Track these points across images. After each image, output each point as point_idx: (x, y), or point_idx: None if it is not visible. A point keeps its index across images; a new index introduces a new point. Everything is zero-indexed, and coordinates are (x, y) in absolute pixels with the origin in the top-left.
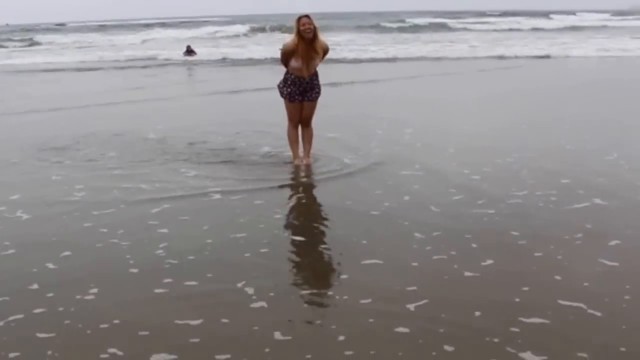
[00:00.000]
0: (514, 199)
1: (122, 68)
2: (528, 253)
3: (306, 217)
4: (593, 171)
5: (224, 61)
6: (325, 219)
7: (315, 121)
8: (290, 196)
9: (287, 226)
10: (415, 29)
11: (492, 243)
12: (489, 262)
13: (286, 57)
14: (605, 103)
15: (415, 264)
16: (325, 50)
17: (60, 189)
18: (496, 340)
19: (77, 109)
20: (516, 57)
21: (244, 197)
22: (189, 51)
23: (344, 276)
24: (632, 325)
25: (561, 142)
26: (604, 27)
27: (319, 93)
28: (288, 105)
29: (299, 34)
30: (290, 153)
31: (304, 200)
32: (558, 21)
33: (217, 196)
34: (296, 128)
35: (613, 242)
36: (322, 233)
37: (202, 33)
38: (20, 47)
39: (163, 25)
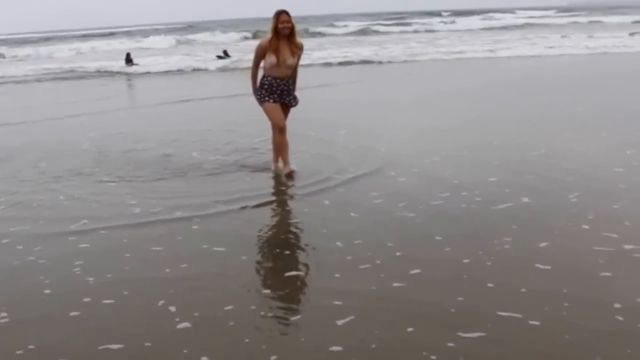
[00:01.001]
0: (436, 201)
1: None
2: (455, 260)
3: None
4: (520, 169)
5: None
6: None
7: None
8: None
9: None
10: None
11: (416, 250)
12: (416, 270)
13: (260, 53)
14: (528, 97)
15: (337, 275)
16: (300, 52)
17: None
18: (433, 357)
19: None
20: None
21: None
22: (129, 60)
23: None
24: (574, 335)
25: (489, 139)
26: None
27: (296, 100)
28: (269, 107)
29: (275, 30)
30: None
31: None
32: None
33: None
34: (282, 132)
35: (543, 244)
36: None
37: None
38: None
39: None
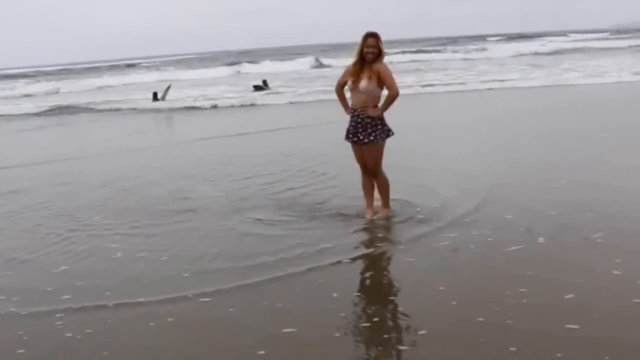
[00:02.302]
0: None
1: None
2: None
3: None
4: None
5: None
6: None
7: None
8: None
9: None
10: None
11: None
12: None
13: (345, 76)
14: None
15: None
16: (383, 77)
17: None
18: None
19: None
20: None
21: None
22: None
23: None
24: None
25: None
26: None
27: (372, 136)
28: (351, 145)
29: (360, 54)
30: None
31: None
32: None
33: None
34: (366, 174)
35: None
36: None
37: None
38: None
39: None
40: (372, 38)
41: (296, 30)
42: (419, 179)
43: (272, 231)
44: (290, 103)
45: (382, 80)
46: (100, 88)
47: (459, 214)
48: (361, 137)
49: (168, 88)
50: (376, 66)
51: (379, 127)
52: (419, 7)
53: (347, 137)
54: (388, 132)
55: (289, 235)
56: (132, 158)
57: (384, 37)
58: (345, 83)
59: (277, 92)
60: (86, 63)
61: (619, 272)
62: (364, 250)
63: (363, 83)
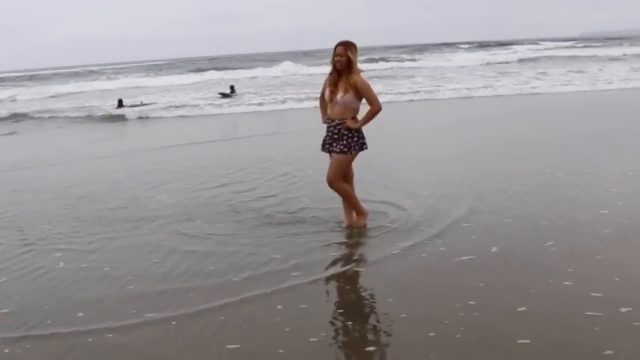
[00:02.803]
0: None
1: None
2: None
3: None
4: None
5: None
6: None
7: None
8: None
9: None
10: None
11: None
12: None
13: (323, 90)
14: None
15: None
16: (361, 91)
17: None
18: None
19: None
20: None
21: None
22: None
23: None
24: None
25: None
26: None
27: (346, 148)
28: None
29: (333, 63)
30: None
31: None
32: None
33: None
34: (331, 186)
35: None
36: None
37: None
38: None
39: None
40: (340, 47)
41: (266, 38)
42: (379, 186)
43: (228, 246)
44: (257, 111)
45: (361, 94)
46: (60, 95)
47: (415, 222)
48: (334, 146)
49: (142, 104)
50: (353, 79)
51: (355, 139)
52: (393, 14)
53: (324, 148)
54: (362, 146)
55: (257, 250)
56: (91, 167)
57: (358, 44)
58: (323, 95)
59: (246, 101)
60: (47, 69)
61: (571, 283)
62: (325, 273)
63: (340, 95)
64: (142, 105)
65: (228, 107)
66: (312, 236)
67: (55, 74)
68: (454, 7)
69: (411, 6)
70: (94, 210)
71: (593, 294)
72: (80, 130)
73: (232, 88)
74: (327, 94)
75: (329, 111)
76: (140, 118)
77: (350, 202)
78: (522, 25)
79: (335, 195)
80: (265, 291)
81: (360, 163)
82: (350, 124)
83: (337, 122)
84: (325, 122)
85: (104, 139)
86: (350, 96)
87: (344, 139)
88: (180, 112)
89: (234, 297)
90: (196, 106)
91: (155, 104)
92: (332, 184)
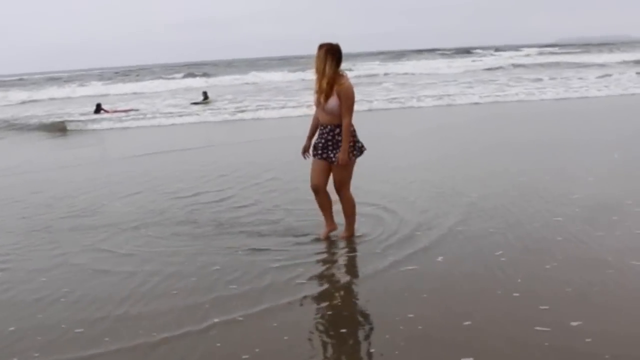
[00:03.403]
0: None
1: None
2: None
3: None
4: None
5: None
6: None
7: None
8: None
9: None
10: None
11: None
12: None
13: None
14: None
15: None
16: (341, 104)
17: None
18: None
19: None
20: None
21: None
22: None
23: None
24: None
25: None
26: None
27: (337, 158)
28: (312, 161)
29: (316, 67)
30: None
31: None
32: None
33: None
34: (317, 193)
35: None
36: None
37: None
38: None
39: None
40: (319, 49)
41: (245, 43)
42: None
43: (192, 264)
44: (229, 119)
45: (341, 101)
46: (31, 101)
47: (376, 234)
48: (331, 155)
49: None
50: (339, 88)
51: (351, 145)
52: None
53: (315, 153)
54: (361, 149)
55: (224, 265)
56: (57, 176)
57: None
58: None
59: (216, 108)
60: (15, 76)
61: (518, 294)
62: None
63: (323, 102)
64: (124, 111)
65: (194, 116)
66: (279, 254)
67: (23, 79)
68: (431, 14)
69: (389, 13)
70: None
71: (541, 307)
72: (46, 138)
73: (205, 94)
74: (318, 99)
75: (319, 116)
76: (93, 129)
77: (352, 214)
78: (503, 31)
79: (311, 206)
80: (235, 317)
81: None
82: (340, 158)
83: (330, 127)
84: (320, 128)
85: (73, 146)
86: (336, 101)
87: (336, 147)
88: (142, 122)
89: (198, 325)
90: (169, 113)
91: (136, 109)
92: (342, 194)
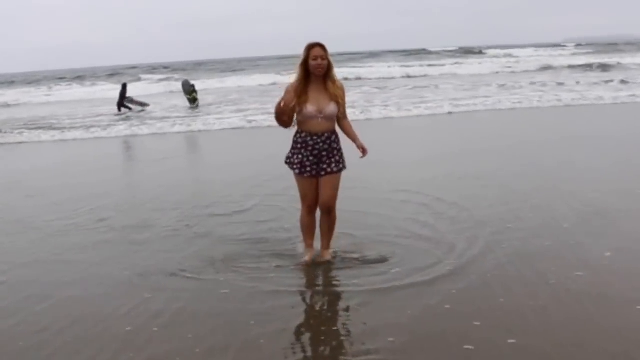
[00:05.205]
0: None
1: None
2: None
3: None
4: None
5: None
6: None
7: None
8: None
9: None
10: None
11: None
12: None
13: (288, 104)
14: None
15: None
16: (341, 106)
17: None
18: None
19: None
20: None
21: None
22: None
23: None
24: None
25: None
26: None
27: (341, 163)
28: (298, 180)
29: (306, 68)
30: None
31: None
32: None
33: None
34: (312, 213)
35: None
36: None
37: None
38: None
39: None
40: (318, 48)
41: (242, 42)
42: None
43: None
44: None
45: (338, 104)
46: (13, 103)
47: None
48: (327, 166)
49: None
50: (339, 83)
51: (341, 151)
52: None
53: (303, 171)
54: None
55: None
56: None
57: (331, 50)
58: (294, 110)
59: (202, 113)
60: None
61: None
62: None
63: (330, 108)
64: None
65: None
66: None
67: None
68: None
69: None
70: None
71: (475, 323)
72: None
73: (193, 87)
74: (310, 108)
75: (314, 125)
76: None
77: (333, 231)
78: (504, 31)
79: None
80: None
81: None
82: (360, 146)
83: (327, 135)
84: (306, 140)
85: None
86: (335, 106)
87: (335, 153)
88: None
89: None
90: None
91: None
92: (333, 208)
